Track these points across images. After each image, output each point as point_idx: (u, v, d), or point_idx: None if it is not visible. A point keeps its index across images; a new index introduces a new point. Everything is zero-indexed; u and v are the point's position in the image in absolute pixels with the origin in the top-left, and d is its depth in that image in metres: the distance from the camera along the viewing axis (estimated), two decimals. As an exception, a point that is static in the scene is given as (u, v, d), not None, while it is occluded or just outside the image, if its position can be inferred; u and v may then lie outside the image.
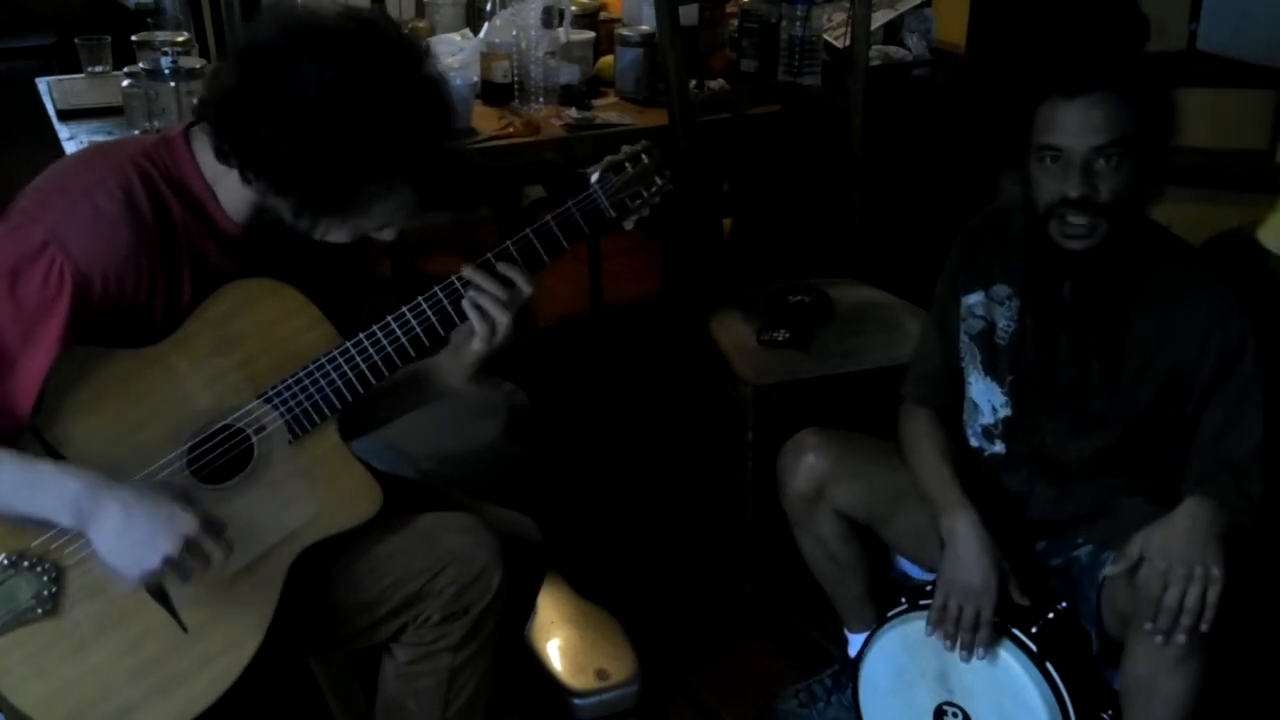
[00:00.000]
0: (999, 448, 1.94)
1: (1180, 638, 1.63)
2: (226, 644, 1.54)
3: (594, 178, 1.69)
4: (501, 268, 1.62)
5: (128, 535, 1.43)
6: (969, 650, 1.82)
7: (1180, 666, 1.65)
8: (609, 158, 1.71)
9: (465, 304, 1.61)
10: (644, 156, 1.72)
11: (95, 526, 1.43)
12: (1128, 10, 3.15)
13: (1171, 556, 1.64)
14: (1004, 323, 1.90)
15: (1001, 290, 1.91)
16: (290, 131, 1.44)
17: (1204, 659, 1.66)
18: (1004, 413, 1.92)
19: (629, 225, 1.73)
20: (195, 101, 1.64)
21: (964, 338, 1.96)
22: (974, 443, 1.97)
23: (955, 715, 1.90)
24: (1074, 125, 1.70)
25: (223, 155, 1.51)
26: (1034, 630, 1.81)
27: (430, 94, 1.52)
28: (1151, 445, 1.87)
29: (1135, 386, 1.83)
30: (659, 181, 1.73)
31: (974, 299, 1.93)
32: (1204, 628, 1.62)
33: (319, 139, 1.44)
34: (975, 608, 1.80)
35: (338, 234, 1.58)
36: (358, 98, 1.44)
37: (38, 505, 1.45)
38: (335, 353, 1.58)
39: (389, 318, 1.60)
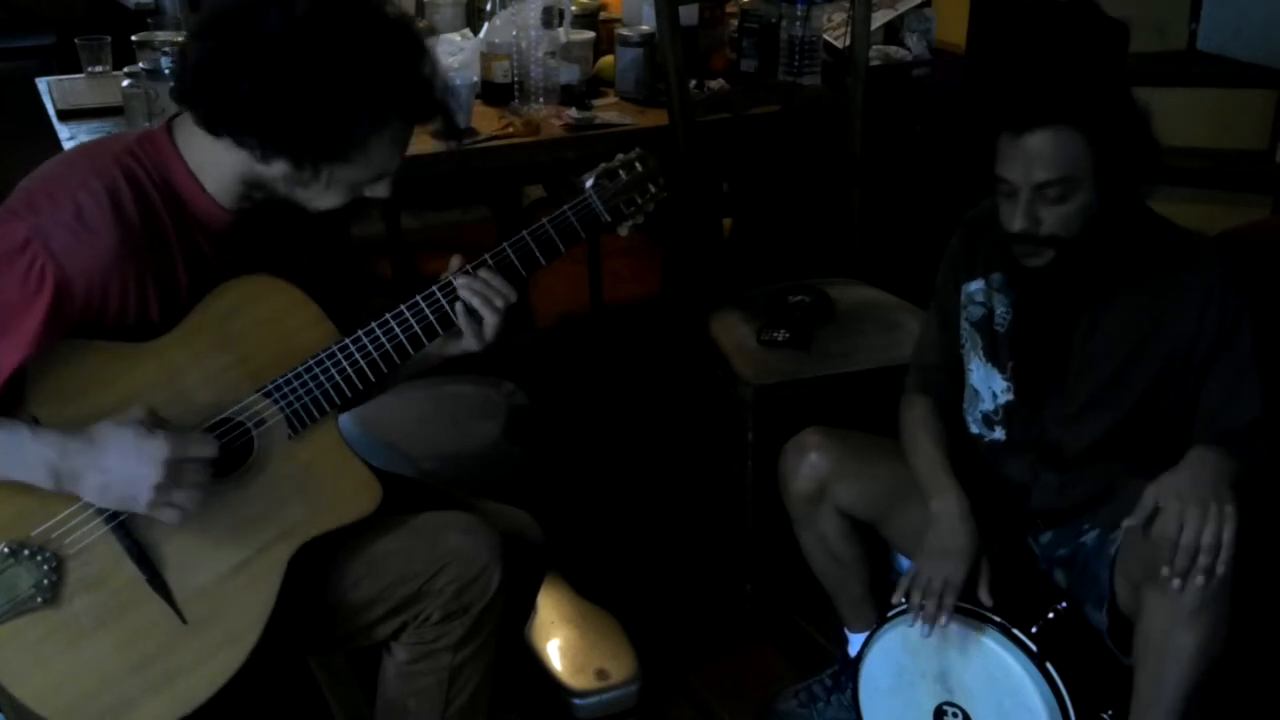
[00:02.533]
0: (999, 434, 1.94)
1: (1199, 579, 1.61)
2: (225, 638, 1.54)
3: (589, 183, 1.69)
4: (486, 275, 1.62)
5: (111, 484, 1.44)
6: (931, 622, 1.81)
7: (1194, 620, 1.64)
8: (603, 164, 1.71)
9: (457, 305, 1.62)
10: (638, 164, 1.73)
11: (78, 486, 1.45)
12: (1098, 23, 3.13)
13: (1185, 497, 1.63)
14: (1002, 309, 1.91)
15: (1000, 278, 1.92)
16: (272, 77, 1.43)
17: (1216, 612, 1.64)
18: (1004, 399, 1.92)
19: (624, 231, 1.73)
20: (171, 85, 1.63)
21: (965, 325, 1.97)
22: (974, 429, 1.98)
23: (955, 715, 1.89)
24: (1019, 161, 1.72)
25: (212, 126, 1.49)
26: (1034, 630, 1.81)
27: (399, 25, 1.51)
28: (1153, 428, 1.87)
29: (1133, 369, 1.84)
30: (653, 189, 1.74)
31: (975, 286, 1.95)
32: (1220, 569, 1.61)
33: (302, 78, 1.43)
34: (944, 575, 1.80)
35: (337, 189, 1.55)
36: (330, 30, 1.44)
37: (18, 472, 1.45)
38: (335, 349, 1.59)
39: (387, 315, 1.60)
